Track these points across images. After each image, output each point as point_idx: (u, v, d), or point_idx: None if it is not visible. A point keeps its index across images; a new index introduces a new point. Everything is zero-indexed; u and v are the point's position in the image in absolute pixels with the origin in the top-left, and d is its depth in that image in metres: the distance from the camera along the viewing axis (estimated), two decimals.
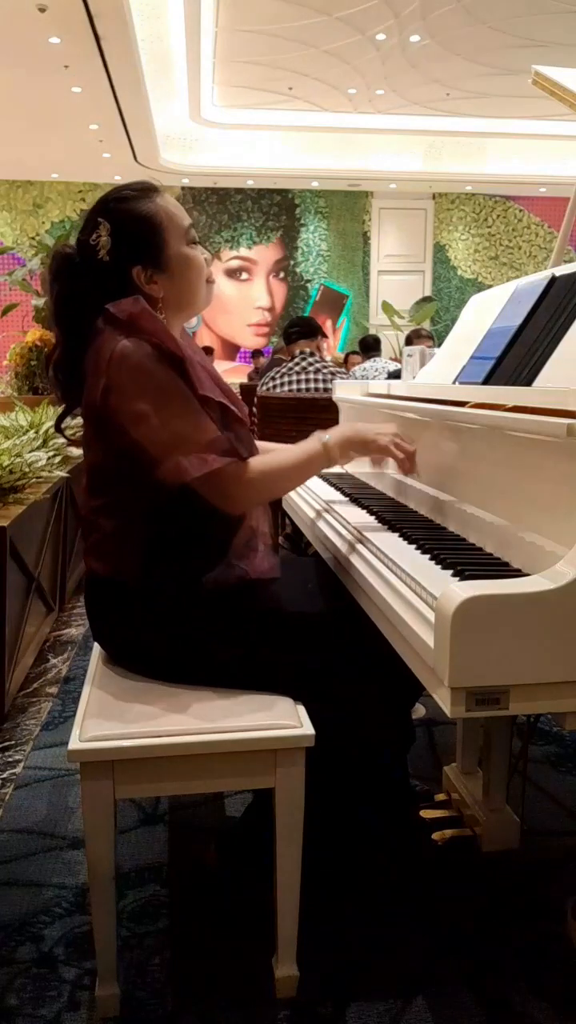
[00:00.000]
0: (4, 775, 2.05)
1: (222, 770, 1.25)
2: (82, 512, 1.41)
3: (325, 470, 1.92)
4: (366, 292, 13.10)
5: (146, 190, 1.38)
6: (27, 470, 2.74)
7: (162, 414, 1.25)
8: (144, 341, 1.27)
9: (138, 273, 1.35)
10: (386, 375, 5.39)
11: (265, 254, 12.91)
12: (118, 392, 1.26)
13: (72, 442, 1.55)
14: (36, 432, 3.21)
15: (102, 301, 1.31)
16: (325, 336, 4.22)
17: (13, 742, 2.23)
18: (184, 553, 1.34)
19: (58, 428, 1.52)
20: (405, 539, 1.40)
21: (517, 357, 1.48)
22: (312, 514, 1.82)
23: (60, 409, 1.48)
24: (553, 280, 1.52)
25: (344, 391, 2.30)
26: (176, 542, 1.34)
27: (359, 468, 2.10)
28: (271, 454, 1.38)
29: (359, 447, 1.48)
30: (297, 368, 3.53)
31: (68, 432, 1.55)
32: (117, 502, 1.35)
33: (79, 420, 1.50)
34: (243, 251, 12.83)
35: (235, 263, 12.84)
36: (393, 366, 5.76)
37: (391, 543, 1.38)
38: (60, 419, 1.50)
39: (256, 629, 1.36)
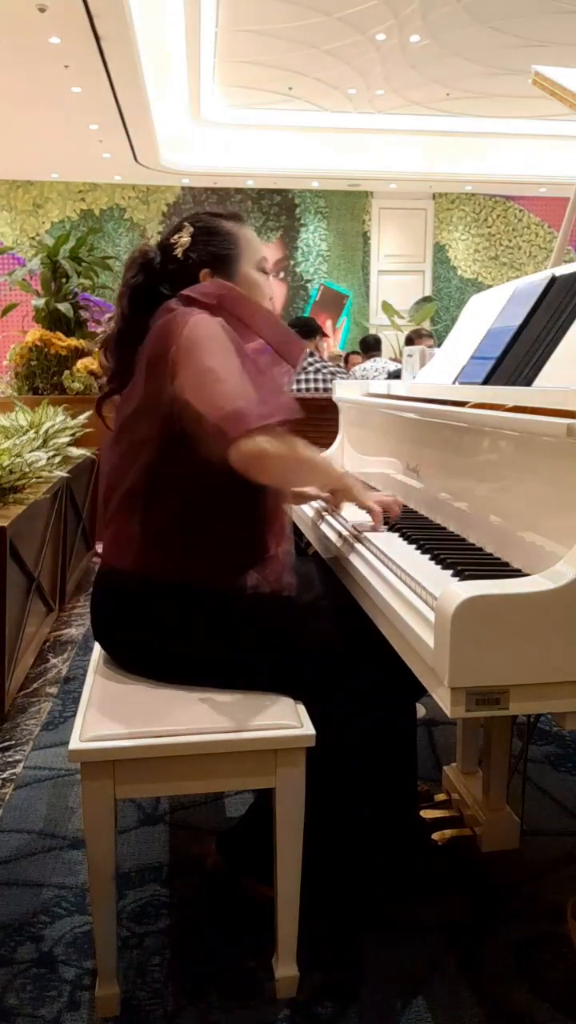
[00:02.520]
0: (4, 775, 2.05)
1: (222, 770, 1.25)
2: (108, 500, 1.40)
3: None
4: (366, 292, 13.09)
5: (234, 215, 1.52)
6: (27, 470, 2.74)
7: (228, 369, 1.26)
8: (223, 320, 1.31)
9: (205, 276, 1.43)
10: (386, 375, 5.39)
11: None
12: (185, 353, 1.27)
13: (109, 428, 1.54)
14: (36, 432, 3.21)
15: (169, 293, 1.40)
16: (325, 335, 4.21)
17: (13, 742, 2.23)
18: (212, 551, 1.34)
19: (98, 409, 1.54)
20: (405, 539, 1.40)
21: (517, 357, 1.48)
22: (312, 514, 1.83)
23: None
24: (553, 280, 1.52)
25: (344, 391, 2.30)
26: (207, 538, 1.33)
27: (360, 468, 2.10)
28: (303, 444, 1.36)
29: (348, 496, 1.56)
30: (297, 368, 3.53)
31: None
32: (154, 490, 1.33)
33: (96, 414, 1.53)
34: None
35: None
36: (393, 366, 5.76)
37: (391, 543, 1.38)
38: (102, 400, 1.51)
39: (257, 629, 1.36)
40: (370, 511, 1.51)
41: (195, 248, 1.44)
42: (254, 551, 1.38)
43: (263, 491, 1.37)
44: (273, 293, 1.55)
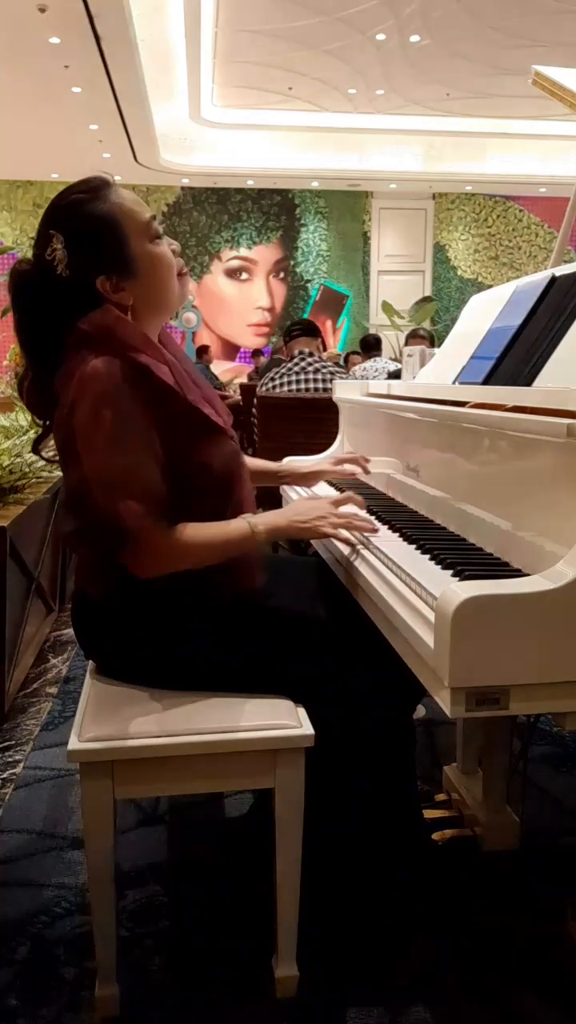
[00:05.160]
0: (4, 775, 2.05)
1: (222, 770, 1.25)
2: (61, 535, 1.36)
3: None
4: (366, 292, 13.10)
5: (95, 188, 1.27)
6: (27, 470, 2.74)
7: (113, 450, 1.17)
8: (116, 358, 1.20)
9: (103, 283, 1.25)
10: (386, 375, 5.39)
11: (265, 254, 12.90)
12: (79, 414, 1.19)
13: (52, 461, 1.45)
14: (36, 432, 3.20)
15: (71, 318, 1.24)
16: (324, 343, 4.21)
17: (13, 742, 2.23)
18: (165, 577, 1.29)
19: (35, 450, 1.45)
20: (405, 539, 1.40)
21: (517, 357, 1.48)
22: None
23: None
24: (553, 280, 1.52)
25: (344, 391, 2.30)
26: None
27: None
28: (199, 527, 1.26)
29: (295, 536, 1.38)
30: (296, 368, 3.52)
31: (45, 453, 1.46)
32: (89, 527, 1.27)
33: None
34: (243, 251, 12.82)
35: (235, 263, 12.84)
36: (393, 366, 5.76)
37: (391, 543, 1.38)
38: (38, 442, 1.42)
39: (256, 631, 1.36)
40: (337, 539, 1.40)
41: (76, 257, 1.23)
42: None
43: (233, 491, 1.35)
44: (177, 247, 1.36)
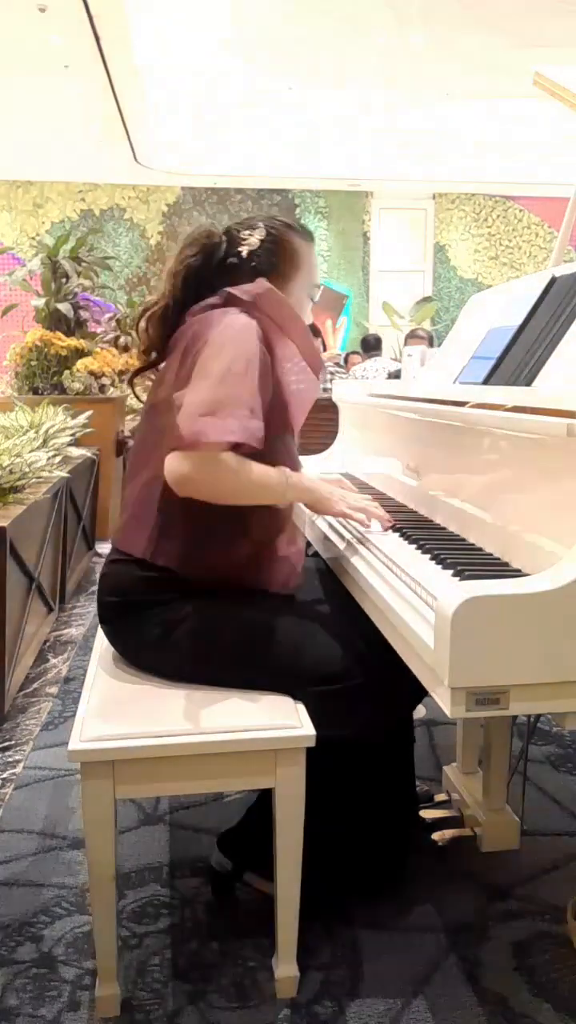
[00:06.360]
0: (4, 775, 2.05)
1: (222, 770, 1.25)
2: (129, 482, 1.42)
3: (316, 477, 1.91)
4: (366, 292, 13.09)
5: (305, 232, 1.54)
6: (27, 470, 2.74)
7: (227, 378, 1.26)
8: (257, 323, 1.32)
9: (261, 282, 1.41)
10: (386, 375, 5.39)
11: None
12: (210, 345, 1.29)
13: (140, 400, 1.55)
14: (36, 432, 3.20)
15: (219, 285, 1.41)
16: (324, 343, 4.21)
17: (13, 742, 2.23)
18: (222, 546, 1.35)
19: (131, 381, 1.55)
20: (405, 539, 1.40)
21: (517, 357, 1.48)
22: (311, 512, 1.82)
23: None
24: (553, 280, 1.52)
25: (344, 391, 2.30)
26: (218, 533, 1.34)
27: (360, 469, 2.10)
28: (247, 460, 1.30)
29: (312, 504, 1.45)
30: (321, 379, 3.53)
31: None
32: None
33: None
34: None
35: None
36: (393, 366, 5.76)
37: (391, 543, 1.38)
38: (136, 373, 1.53)
39: (256, 627, 1.36)
40: (350, 518, 1.48)
41: (261, 253, 1.45)
42: (263, 550, 1.38)
43: None
44: (311, 320, 1.56)
